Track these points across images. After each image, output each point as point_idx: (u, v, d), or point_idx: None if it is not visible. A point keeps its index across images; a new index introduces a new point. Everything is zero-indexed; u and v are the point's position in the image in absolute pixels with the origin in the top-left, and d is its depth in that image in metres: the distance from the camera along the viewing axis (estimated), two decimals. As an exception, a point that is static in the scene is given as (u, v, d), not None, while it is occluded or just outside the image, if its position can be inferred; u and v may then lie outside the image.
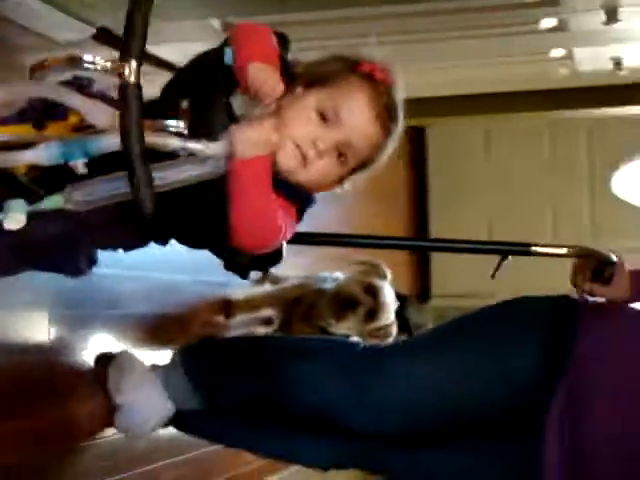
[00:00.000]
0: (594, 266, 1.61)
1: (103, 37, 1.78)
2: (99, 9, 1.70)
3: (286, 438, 1.85)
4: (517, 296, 1.67)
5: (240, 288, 2.60)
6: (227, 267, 1.29)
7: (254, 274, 2.71)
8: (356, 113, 1.20)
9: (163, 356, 2.02)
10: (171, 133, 1.13)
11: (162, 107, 1.18)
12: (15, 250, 1.26)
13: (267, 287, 2.66)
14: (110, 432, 1.94)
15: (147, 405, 1.85)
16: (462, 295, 4.33)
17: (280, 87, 1.15)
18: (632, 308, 1.61)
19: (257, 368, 1.78)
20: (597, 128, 4.58)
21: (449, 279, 4.68)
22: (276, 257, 1.28)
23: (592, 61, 2.44)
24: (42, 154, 1.10)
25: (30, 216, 1.10)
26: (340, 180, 1.26)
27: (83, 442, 1.89)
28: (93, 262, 1.34)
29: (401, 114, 1.23)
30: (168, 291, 2.29)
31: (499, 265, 1.70)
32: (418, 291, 4.73)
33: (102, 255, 1.35)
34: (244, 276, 1.32)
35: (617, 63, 2.45)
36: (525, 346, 1.59)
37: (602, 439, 1.47)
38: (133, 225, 1.29)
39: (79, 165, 1.12)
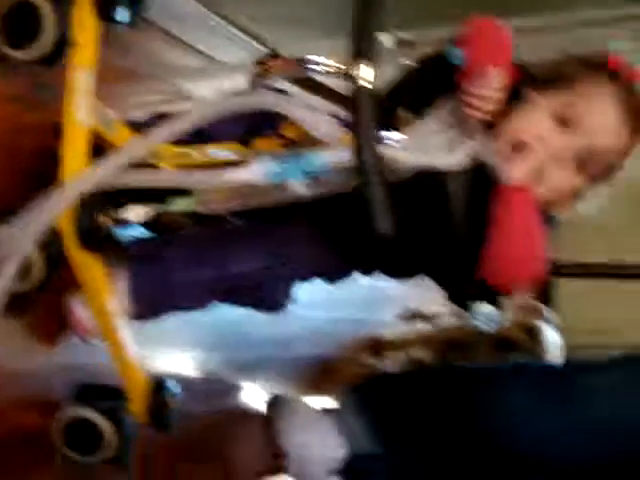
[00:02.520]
0: None
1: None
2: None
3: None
4: None
5: (392, 327, 2.48)
6: (450, 298, 1.16)
7: (405, 311, 2.62)
8: (600, 115, 1.05)
9: (325, 401, 1.89)
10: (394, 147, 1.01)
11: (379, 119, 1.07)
12: (212, 283, 1.17)
13: (420, 326, 2.52)
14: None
15: (319, 449, 1.71)
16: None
17: (497, 106, 1.03)
18: None
19: (442, 400, 1.62)
20: None
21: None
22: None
23: None
24: (257, 172, 0.99)
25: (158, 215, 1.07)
26: (576, 194, 1.11)
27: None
28: (291, 296, 1.23)
29: None
30: (321, 330, 2.17)
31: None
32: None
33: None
34: (468, 308, 1.18)
35: None
36: None
37: None
38: (342, 253, 1.19)
39: (298, 185, 1.01)
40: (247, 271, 1.17)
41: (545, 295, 4.11)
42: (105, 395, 1.16)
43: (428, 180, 1.03)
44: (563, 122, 1.05)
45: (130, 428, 1.15)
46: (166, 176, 1.02)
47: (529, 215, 1.05)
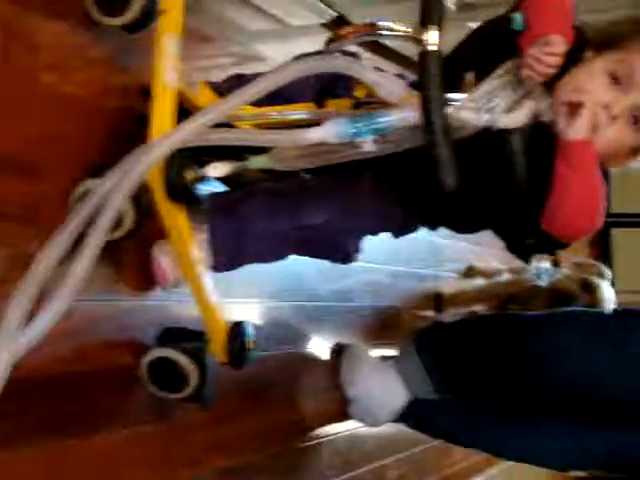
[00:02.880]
0: None
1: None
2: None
3: (524, 433, 1.75)
4: None
5: (451, 282, 2.54)
6: (510, 249, 1.23)
7: (465, 267, 2.68)
8: None
9: (386, 350, 1.97)
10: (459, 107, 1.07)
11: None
12: (286, 235, 1.25)
13: (479, 282, 2.58)
14: (340, 428, 1.89)
15: (382, 394, 1.80)
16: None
17: (552, 71, 1.08)
18: None
19: (497, 345, 1.70)
20: None
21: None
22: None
23: None
24: (330, 132, 1.06)
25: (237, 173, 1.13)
26: (635, 152, 1.17)
27: (311, 441, 1.84)
28: (360, 249, 1.30)
29: None
30: (383, 283, 2.24)
31: None
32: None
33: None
34: (527, 259, 1.25)
35: None
36: None
37: None
38: (407, 207, 1.25)
39: (368, 144, 1.08)
40: (318, 224, 1.24)
41: (602, 248, 4.12)
42: (187, 337, 1.25)
43: (491, 138, 1.09)
44: (618, 80, 1.11)
45: (211, 367, 1.24)
46: (245, 135, 1.09)
47: (589, 169, 1.11)
